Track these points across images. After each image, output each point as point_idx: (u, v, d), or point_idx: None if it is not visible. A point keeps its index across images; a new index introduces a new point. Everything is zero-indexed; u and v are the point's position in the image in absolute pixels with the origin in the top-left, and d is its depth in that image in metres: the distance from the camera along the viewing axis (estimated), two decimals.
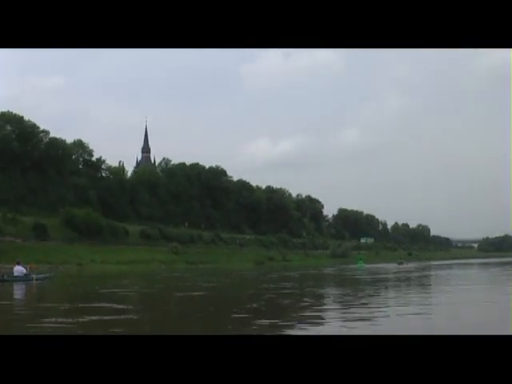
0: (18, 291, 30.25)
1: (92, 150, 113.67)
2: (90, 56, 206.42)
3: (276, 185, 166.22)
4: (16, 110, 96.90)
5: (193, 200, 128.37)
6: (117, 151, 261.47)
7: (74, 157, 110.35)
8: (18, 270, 35.80)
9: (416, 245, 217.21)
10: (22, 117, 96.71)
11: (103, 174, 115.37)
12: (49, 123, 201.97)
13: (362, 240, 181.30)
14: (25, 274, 35.74)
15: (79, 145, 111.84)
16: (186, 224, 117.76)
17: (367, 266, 79.48)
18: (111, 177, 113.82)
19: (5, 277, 34.92)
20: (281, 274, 54.00)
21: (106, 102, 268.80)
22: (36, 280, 35.85)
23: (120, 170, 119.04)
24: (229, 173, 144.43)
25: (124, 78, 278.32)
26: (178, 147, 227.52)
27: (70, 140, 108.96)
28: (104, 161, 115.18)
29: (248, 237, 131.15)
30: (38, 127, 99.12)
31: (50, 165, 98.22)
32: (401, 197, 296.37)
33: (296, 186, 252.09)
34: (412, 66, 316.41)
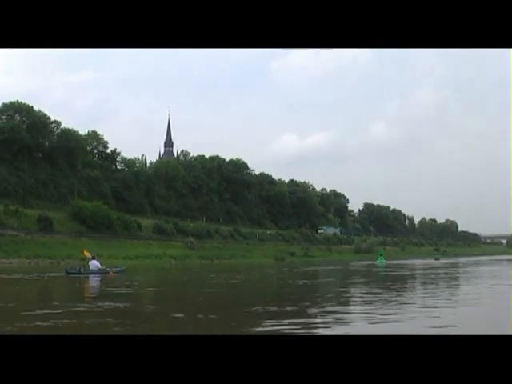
0: (93, 283, 33.17)
1: (107, 142, 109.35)
2: (115, 51, 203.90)
3: (302, 179, 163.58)
4: (41, 105, 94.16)
5: (212, 193, 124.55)
6: (142, 146, 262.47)
7: (88, 148, 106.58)
8: (94, 263, 38.86)
9: (444, 240, 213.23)
10: (32, 107, 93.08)
11: (118, 167, 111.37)
12: (75, 118, 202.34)
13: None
14: (99, 268, 38.60)
15: (93, 136, 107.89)
16: (204, 218, 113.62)
17: (393, 262, 76.29)
18: (126, 169, 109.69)
19: (81, 270, 37.81)
20: (295, 271, 53.02)
21: (132, 96, 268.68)
22: (113, 273, 39.10)
23: (134, 162, 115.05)
24: (255, 168, 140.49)
25: (150, 73, 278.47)
26: (203, 142, 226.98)
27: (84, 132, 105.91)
28: (119, 153, 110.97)
29: (269, 231, 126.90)
30: (49, 117, 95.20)
31: (62, 156, 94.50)
32: (428, 192, 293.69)
33: (322, 181, 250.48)
34: (440, 62, 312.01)
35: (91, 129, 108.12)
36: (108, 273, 38.81)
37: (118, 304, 19.78)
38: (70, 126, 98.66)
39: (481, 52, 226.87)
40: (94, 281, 34.17)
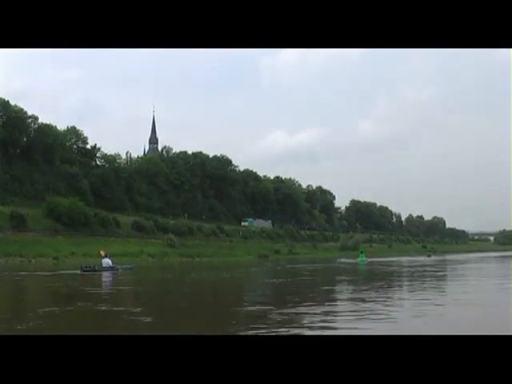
0: (105, 278, 36.49)
1: (86, 138, 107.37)
2: (102, 49, 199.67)
3: (288, 176, 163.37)
4: (28, 103, 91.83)
5: (195, 190, 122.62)
6: (128, 143, 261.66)
7: (67, 144, 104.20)
8: (106, 261, 42.85)
9: (431, 237, 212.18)
10: (8, 101, 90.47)
11: (98, 163, 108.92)
12: (62, 116, 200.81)
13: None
14: (110, 266, 42.63)
15: (73, 132, 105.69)
16: (186, 215, 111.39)
17: (378, 260, 75.14)
18: (106, 165, 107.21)
19: (95, 267, 41.58)
20: (277, 269, 53.51)
21: (119, 94, 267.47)
22: (121, 269, 43.28)
23: (115, 158, 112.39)
24: (243, 165, 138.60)
25: (138, 70, 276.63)
26: (189, 139, 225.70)
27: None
28: (99, 149, 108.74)
29: (253, 229, 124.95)
30: (26, 112, 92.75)
31: (39, 152, 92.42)
32: (415, 189, 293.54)
33: (310, 178, 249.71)
34: (427, 59, 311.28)
35: (80, 126, 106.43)
36: (118, 270, 42.69)
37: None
38: (57, 124, 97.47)
39: (471, 50, 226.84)
40: (105, 277, 37.35)
